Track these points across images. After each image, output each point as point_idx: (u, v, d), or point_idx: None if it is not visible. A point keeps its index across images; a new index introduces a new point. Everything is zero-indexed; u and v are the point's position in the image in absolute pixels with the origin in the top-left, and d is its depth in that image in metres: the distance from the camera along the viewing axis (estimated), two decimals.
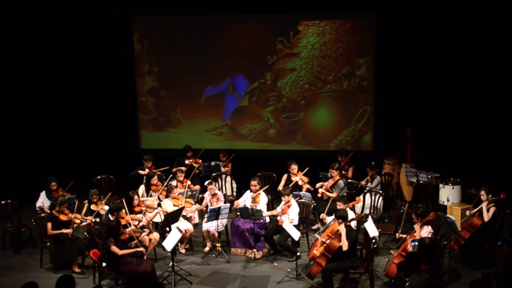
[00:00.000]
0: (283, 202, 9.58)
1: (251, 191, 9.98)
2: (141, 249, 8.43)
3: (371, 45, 13.06)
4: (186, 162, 11.97)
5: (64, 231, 9.04)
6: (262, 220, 9.57)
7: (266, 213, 9.80)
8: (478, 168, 12.08)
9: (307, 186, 10.74)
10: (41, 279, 8.65)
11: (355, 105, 13.36)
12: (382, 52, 12.97)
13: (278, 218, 9.53)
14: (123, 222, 8.82)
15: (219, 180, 11.68)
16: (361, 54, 13.15)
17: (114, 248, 8.05)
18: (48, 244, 9.25)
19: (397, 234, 8.79)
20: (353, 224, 8.66)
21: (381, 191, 10.52)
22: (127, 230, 8.66)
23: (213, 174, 11.70)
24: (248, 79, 13.61)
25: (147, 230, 9.12)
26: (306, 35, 13.23)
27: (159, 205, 10.08)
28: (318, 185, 10.82)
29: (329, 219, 9.12)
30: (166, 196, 10.02)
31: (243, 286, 8.55)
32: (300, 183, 10.76)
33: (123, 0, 13.41)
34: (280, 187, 10.94)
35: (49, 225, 9.01)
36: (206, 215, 9.69)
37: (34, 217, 9.47)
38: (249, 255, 9.54)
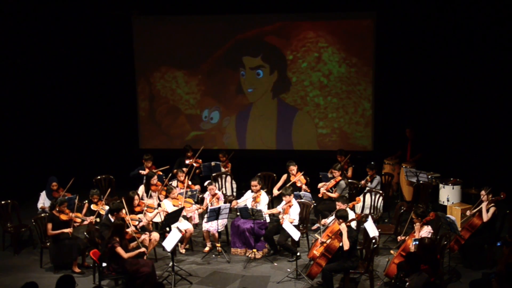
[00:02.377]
0: (284, 202, 9.58)
1: (252, 191, 9.99)
2: (143, 249, 8.43)
3: (371, 45, 13.05)
4: (187, 162, 11.97)
5: (65, 230, 9.04)
6: (262, 220, 9.57)
7: (266, 211, 9.81)
8: (478, 168, 12.08)
9: (305, 187, 10.74)
10: (41, 279, 8.64)
11: (355, 105, 13.35)
12: (382, 52, 12.97)
13: (280, 217, 9.53)
14: None
15: (219, 180, 11.69)
16: (361, 54, 13.14)
17: (119, 250, 8.03)
18: (48, 244, 9.25)
19: (399, 237, 8.77)
20: (353, 224, 8.67)
21: (381, 191, 10.53)
22: (128, 230, 8.66)
23: (213, 174, 11.70)
24: (248, 80, 13.62)
25: (147, 233, 9.12)
26: (306, 36, 13.22)
27: (159, 205, 10.08)
28: (320, 185, 10.82)
29: (329, 219, 9.12)
30: (166, 197, 10.02)
31: (243, 286, 8.55)
32: (298, 184, 10.76)
33: (123, 0, 13.41)
34: (277, 187, 10.95)
35: (49, 225, 9.00)
36: (206, 215, 9.69)
37: (34, 217, 9.47)
38: (249, 255, 9.54)
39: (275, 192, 10.97)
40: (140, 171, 11.45)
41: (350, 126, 13.43)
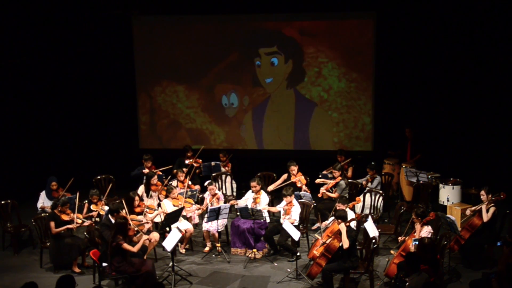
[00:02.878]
0: (284, 202, 9.58)
1: (252, 191, 9.99)
2: (146, 236, 8.53)
3: (371, 45, 13.04)
4: (186, 162, 11.96)
5: (69, 226, 9.07)
6: (262, 220, 9.58)
7: (265, 207, 9.81)
8: (478, 168, 12.08)
9: (305, 187, 10.74)
10: (41, 279, 8.66)
11: (355, 105, 13.35)
12: (382, 52, 12.96)
13: (282, 217, 9.52)
14: None
15: (219, 180, 11.69)
16: (361, 54, 13.13)
17: (126, 246, 8.04)
18: (48, 244, 9.26)
19: (399, 238, 8.78)
20: (353, 224, 8.67)
21: (381, 191, 10.53)
22: (131, 226, 8.67)
23: (213, 174, 11.70)
24: (250, 80, 13.62)
25: (150, 222, 9.19)
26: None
27: (159, 205, 10.09)
28: (318, 180, 10.82)
29: (329, 220, 9.12)
30: (166, 196, 10.02)
31: (243, 286, 8.55)
32: (298, 184, 10.76)
33: (123, 0, 13.40)
34: (273, 186, 10.94)
35: (52, 223, 9.00)
36: (206, 215, 9.69)
37: (34, 217, 9.48)
38: (249, 255, 9.54)
39: (269, 188, 10.94)
40: (143, 170, 11.43)
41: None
